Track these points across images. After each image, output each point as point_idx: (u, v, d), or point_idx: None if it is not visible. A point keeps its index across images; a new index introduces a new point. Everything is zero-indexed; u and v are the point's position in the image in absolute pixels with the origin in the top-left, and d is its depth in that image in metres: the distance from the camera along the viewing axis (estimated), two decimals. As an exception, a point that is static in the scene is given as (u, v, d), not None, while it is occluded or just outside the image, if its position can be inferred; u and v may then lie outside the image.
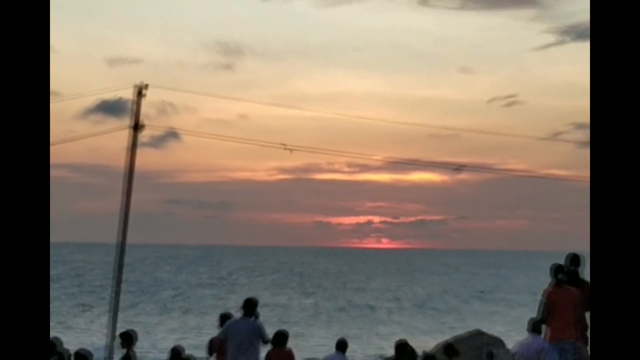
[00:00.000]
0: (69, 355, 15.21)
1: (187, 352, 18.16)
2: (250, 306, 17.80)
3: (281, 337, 18.48)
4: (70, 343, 18.52)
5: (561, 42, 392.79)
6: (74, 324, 66.92)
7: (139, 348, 18.31)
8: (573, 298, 14.27)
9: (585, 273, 14.81)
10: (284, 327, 20.35)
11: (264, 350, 17.81)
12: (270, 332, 18.21)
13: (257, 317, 17.71)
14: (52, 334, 21.29)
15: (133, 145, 25.21)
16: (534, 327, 16.31)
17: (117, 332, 19.56)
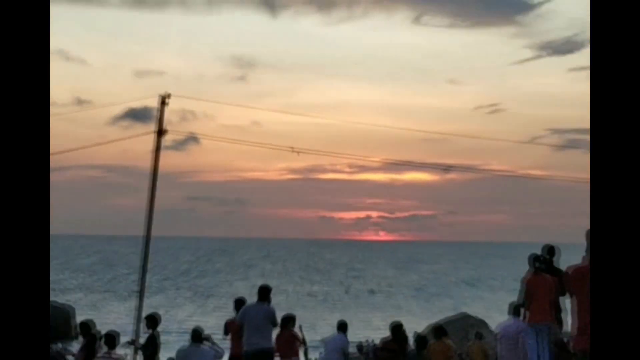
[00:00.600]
0: (101, 337, 15.10)
1: (206, 332, 18.03)
2: (264, 292, 17.74)
3: (288, 320, 18.47)
4: (101, 325, 18.41)
5: (538, 57, 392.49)
6: (105, 308, 66.87)
7: (163, 329, 18.22)
8: (549, 284, 14.25)
9: (560, 262, 14.75)
10: (292, 311, 20.15)
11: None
12: (279, 315, 18.18)
13: (269, 302, 17.66)
14: (85, 317, 21.21)
15: (157, 149, 25.12)
16: (514, 311, 16.26)
17: (143, 315, 19.43)
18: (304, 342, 19.43)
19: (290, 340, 18.38)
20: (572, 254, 10.53)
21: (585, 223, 10.11)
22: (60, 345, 13.97)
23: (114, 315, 57.73)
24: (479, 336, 20.78)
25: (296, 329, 18.71)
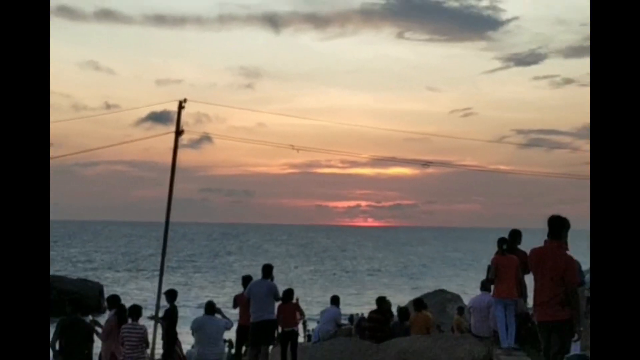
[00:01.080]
0: (126, 309, 15.12)
1: (218, 306, 18.10)
2: (267, 270, 17.88)
3: (288, 294, 18.51)
4: (125, 300, 18.46)
5: (506, 67, 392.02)
6: (129, 284, 66.88)
7: (180, 302, 18.29)
8: (514, 263, 14.30)
9: (523, 245, 14.79)
10: (292, 287, 20.21)
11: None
12: (280, 291, 18.28)
13: (272, 279, 17.75)
14: (112, 292, 21.27)
15: (175, 147, 25.10)
16: (484, 286, 16.32)
17: (163, 290, 19.44)
18: (302, 314, 19.53)
19: (293, 311, 18.45)
20: (535, 238, 10.58)
21: (546, 211, 10.19)
22: (90, 316, 13.99)
23: (137, 291, 57.76)
24: (461, 311, 20.88)
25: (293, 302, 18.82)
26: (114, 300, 16.08)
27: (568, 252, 9.57)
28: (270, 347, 18.81)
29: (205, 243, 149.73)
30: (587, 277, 13.96)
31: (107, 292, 36.59)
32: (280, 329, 18.16)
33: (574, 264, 9.71)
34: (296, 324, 19.02)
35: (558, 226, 9.59)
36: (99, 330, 14.48)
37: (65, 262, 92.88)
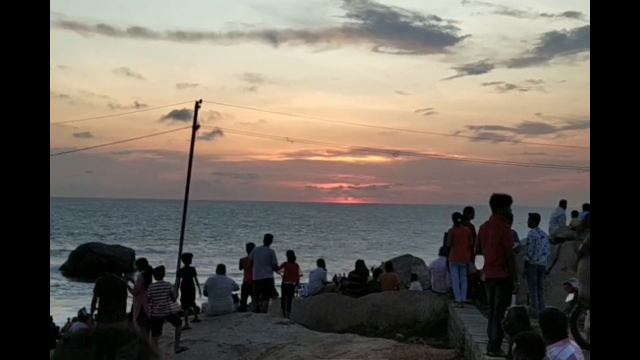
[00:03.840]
0: (152, 270, 15.08)
1: (227, 267, 18.17)
2: (267, 239, 18.05)
3: (292, 254, 18.80)
4: (152, 263, 18.48)
5: (460, 75, 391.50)
6: (155, 250, 66.64)
7: (195, 265, 18.29)
8: (466, 233, 14.36)
9: (475, 217, 14.84)
10: (285, 258, 20.32)
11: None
12: (279, 255, 18.50)
13: (269, 245, 17.99)
14: (141, 256, 21.23)
15: (193, 138, 25.06)
16: (442, 252, 16.35)
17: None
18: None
19: (295, 269, 18.70)
20: (483, 212, 10.62)
21: (491, 191, 10.21)
22: (123, 274, 13.95)
23: (160, 256, 57.63)
24: (414, 277, 20.96)
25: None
26: (143, 262, 16.06)
27: (506, 223, 9.74)
28: (270, 300, 18.92)
29: (216, 217, 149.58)
30: (523, 243, 13.96)
31: (137, 255, 36.51)
32: (282, 282, 18.45)
33: (509, 232, 9.91)
34: (297, 280, 19.27)
35: (498, 202, 9.72)
36: (131, 285, 14.45)
37: (104, 230, 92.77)
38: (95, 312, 13.21)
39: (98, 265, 16.61)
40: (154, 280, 14.44)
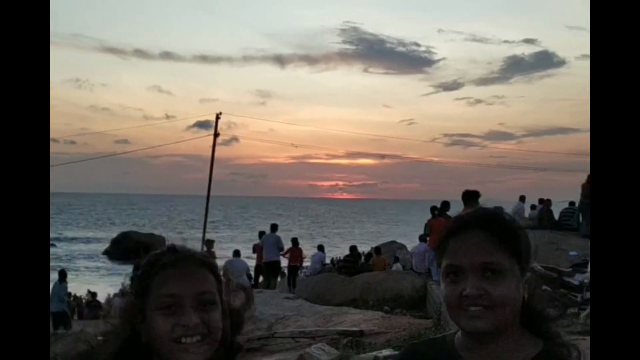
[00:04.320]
0: None
1: (242, 252, 18.16)
2: (273, 227, 18.07)
3: (296, 241, 18.87)
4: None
5: (437, 92, 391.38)
6: (182, 237, 66.16)
7: (215, 250, 18.29)
8: (442, 223, 14.30)
9: (450, 212, 14.81)
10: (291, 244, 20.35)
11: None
12: (285, 241, 18.49)
13: (275, 232, 18.02)
14: (169, 243, 21.12)
15: (214, 144, 25.05)
16: (422, 239, 16.33)
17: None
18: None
19: (299, 253, 18.75)
20: (457, 206, 10.61)
21: (462, 188, 10.21)
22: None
23: (186, 242, 57.22)
24: (396, 259, 20.96)
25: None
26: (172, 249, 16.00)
27: None
28: (278, 279, 18.92)
29: (233, 210, 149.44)
30: None
31: (167, 242, 36.37)
32: (287, 264, 18.50)
33: None
34: (301, 262, 19.37)
35: (468, 197, 9.74)
36: None
37: (140, 221, 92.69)
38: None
39: (135, 250, 16.43)
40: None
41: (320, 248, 20.71)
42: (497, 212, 1.43)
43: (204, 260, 1.47)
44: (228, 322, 1.42)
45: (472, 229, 1.38)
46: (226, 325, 1.40)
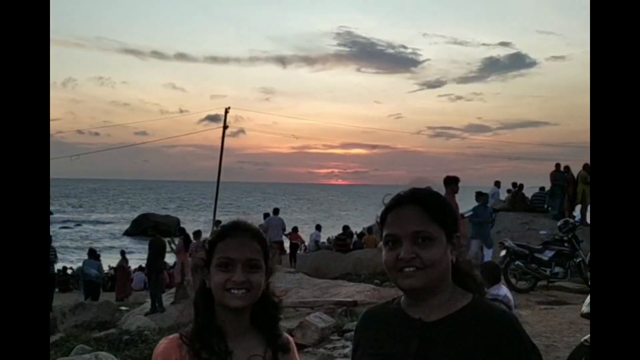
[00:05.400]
0: (188, 235, 15.03)
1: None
2: (275, 211, 18.01)
3: (296, 228, 19.16)
4: (191, 229, 18.46)
5: (421, 89, 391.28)
6: (195, 220, 66.31)
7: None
8: None
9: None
10: (292, 224, 20.43)
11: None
12: (287, 223, 18.56)
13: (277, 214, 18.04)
14: (182, 225, 21.23)
15: (223, 136, 24.96)
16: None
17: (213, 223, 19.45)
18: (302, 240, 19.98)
19: (297, 236, 18.80)
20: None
21: (444, 174, 10.20)
22: (167, 239, 13.93)
23: (199, 223, 57.41)
24: (369, 231, 21.07)
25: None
26: (182, 230, 16.10)
27: (454, 197, 9.77)
28: (281, 256, 19.04)
29: (240, 194, 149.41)
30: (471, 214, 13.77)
31: (182, 223, 36.48)
32: (289, 244, 18.55)
33: (452, 202, 9.87)
34: (302, 241, 19.49)
35: (449, 181, 9.73)
36: (174, 247, 14.41)
37: (158, 204, 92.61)
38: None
39: (152, 229, 16.66)
40: (193, 241, 14.43)
41: (318, 227, 20.79)
42: (428, 190, 1.51)
43: (256, 233, 1.69)
44: (267, 282, 1.67)
45: (407, 204, 1.48)
46: (265, 285, 1.66)
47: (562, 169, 17.16)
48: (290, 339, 1.74)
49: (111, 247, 41.63)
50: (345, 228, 19.33)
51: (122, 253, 19.90)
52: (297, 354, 1.74)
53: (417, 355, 1.39)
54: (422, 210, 1.45)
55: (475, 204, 13.50)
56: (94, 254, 17.50)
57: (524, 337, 1.37)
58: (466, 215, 13.94)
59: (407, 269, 1.41)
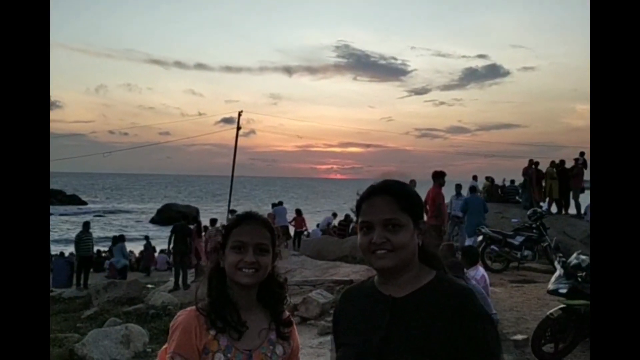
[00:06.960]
0: (200, 224, 14.98)
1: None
2: (280, 203, 18.16)
3: (299, 211, 18.91)
4: (207, 218, 18.47)
5: (409, 95, 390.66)
6: (212, 210, 66.10)
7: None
8: (432, 191, 13.91)
9: (421, 188, 14.63)
10: (299, 208, 20.42)
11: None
12: (290, 211, 18.55)
13: (281, 205, 18.02)
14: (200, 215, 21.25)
15: (237, 136, 24.83)
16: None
17: (228, 212, 19.43)
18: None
19: (302, 221, 18.85)
20: (427, 184, 10.58)
21: (430, 171, 10.17)
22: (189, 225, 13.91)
23: (215, 213, 57.13)
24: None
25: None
26: (194, 218, 16.21)
27: (440, 190, 9.80)
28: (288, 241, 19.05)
29: (251, 187, 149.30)
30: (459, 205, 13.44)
31: (201, 212, 36.34)
32: (293, 230, 18.48)
33: (439, 194, 9.85)
34: (305, 229, 19.44)
35: (437, 176, 9.73)
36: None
37: (177, 195, 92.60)
38: (172, 245, 13.18)
39: (176, 218, 16.75)
40: (209, 227, 14.43)
41: (334, 215, 21.19)
42: (397, 182, 1.52)
43: (266, 222, 1.77)
44: (273, 265, 1.74)
45: (379, 194, 1.49)
46: (272, 266, 1.72)
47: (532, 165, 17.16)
48: (290, 316, 1.79)
49: (138, 233, 41.65)
50: (346, 217, 19.38)
51: (147, 238, 20.21)
52: (295, 329, 1.78)
53: (388, 327, 1.42)
54: (393, 200, 1.46)
55: (454, 194, 13.40)
56: (121, 239, 18.34)
57: (478, 306, 1.39)
58: (458, 209, 13.22)
59: (379, 252, 1.44)
